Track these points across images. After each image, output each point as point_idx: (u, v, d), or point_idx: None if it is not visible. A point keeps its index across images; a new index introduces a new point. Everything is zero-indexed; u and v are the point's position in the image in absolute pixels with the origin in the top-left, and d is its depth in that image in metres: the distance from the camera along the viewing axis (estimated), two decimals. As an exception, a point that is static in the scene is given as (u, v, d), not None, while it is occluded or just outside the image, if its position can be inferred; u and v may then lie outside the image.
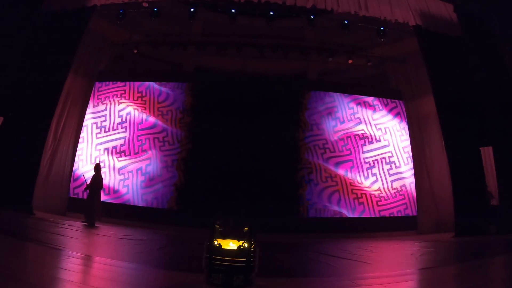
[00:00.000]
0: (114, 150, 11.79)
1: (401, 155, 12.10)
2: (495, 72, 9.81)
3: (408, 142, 12.14)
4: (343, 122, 12.29)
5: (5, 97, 9.46)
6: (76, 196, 11.32)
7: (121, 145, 11.83)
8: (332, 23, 11.87)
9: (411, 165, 11.93)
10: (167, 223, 10.78)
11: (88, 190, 9.65)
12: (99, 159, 11.51)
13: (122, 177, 11.59)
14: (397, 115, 12.47)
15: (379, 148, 12.10)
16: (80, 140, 11.76)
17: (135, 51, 12.85)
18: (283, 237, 10.07)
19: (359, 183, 11.74)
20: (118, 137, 11.92)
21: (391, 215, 11.51)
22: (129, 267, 4.19)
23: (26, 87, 9.42)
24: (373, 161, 11.94)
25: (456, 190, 9.43)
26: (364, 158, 11.96)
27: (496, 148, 9.52)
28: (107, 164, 11.61)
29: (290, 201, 11.47)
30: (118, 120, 12.10)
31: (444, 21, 10.30)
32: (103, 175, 10.36)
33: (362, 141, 12.12)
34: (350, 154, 11.99)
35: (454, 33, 10.21)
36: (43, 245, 4.72)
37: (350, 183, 11.69)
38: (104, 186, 10.28)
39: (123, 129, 12.00)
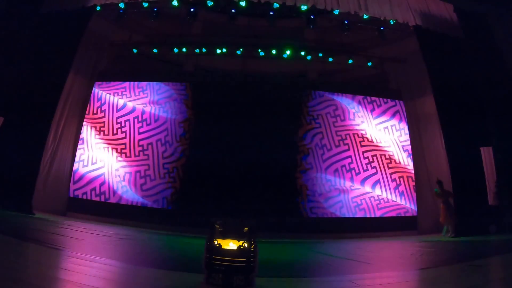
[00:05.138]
0: (113, 149, 11.81)
1: (401, 155, 12.11)
2: (495, 72, 9.79)
3: (408, 142, 12.15)
4: (343, 122, 12.30)
5: (5, 97, 9.45)
6: (76, 196, 11.33)
7: (121, 145, 11.85)
8: (332, 23, 11.88)
9: (411, 165, 11.94)
10: (167, 223, 10.79)
11: None
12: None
13: (121, 177, 11.59)
14: (396, 113, 12.49)
15: (379, 148, 12.11)
16: (80, 141, 11.78)
17: (135, 51, 12.87)
18: (283, 237, 10.08)
19: (359, 182, 11.75)
20: (118, 137, 11.93)
21: (391, 215, 11.51)
22: (129, 267, 4.19)
23: (26, 87, 9.41)
24: (373, 160, 11.96)
25: (456, 190, 9.43)
26: (364, 158, 11.97)
27: (496, 148, 9.51)
28: (107, 164, 11.63)
29: (290, 201, 11.47)
30: (117, 119, 12.13)
31: (444, 21, 10.28)
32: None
33: (362, 141, 12.14)
34: (350, 154, 12.00)
35: (454, 33, 10.20)
36: (43, 245, 4.72)
37: (350, 183, 11.70)
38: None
39: (123, 132, 12.02)
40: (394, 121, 12.41)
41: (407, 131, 12.21)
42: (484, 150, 9.47)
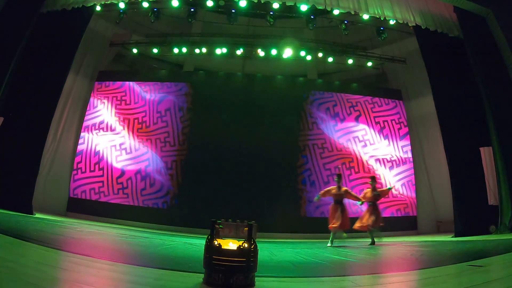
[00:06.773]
0: (113, 149, 11.81)
1: (401, 155, 12.12)
2: (494, 72, 9.78)
3: (408, 142, 12.17)
4: (343, 122, 12.31)
5: (5, 97, 9.45)
6: (76, 196, 11.34)
7: (121, 145, 11.85)
8: (332, 23, 11.90)
9: (411, 165, 11.95)
10: (167, 223, 10.81)
11: None
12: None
13: (122, 177, 11.59)
14: (396, 114, 12.51)
15: (379, 148, 12.12)
16: (81, 140, 11.79)
17: (135, 51, 12.89)
18: (283, 236, 10.09)
19: (359, 181, 11.75)
20: (118, 137, 11.94)
21: (391, 215, 11.52)
22: (129, 267, 4.19)
23: (26, 87, 9.42)
24: (373, 161, 11.97)
25: (456, 190, 9.43)
26: (364, 158, 11.98)
27: (496, 148, 9.50)
28: (107, 163, 11.63)
29: (290, 201, 11.49)
30: (117, 119, 12.14)
31: (444, 21, 10.29)
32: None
33: (362, 141, 12.15)
34: (350, 154, 12.01)
35: (454, 33, 10.21)
36: (43, 245, 4.71)
37: (351, 183, 11.70)
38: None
39: (123, 130, 12.02)
40: (394, 122, 12.42)
41: (407, 131, 12.23)
42: (484, 150, 9.45)
